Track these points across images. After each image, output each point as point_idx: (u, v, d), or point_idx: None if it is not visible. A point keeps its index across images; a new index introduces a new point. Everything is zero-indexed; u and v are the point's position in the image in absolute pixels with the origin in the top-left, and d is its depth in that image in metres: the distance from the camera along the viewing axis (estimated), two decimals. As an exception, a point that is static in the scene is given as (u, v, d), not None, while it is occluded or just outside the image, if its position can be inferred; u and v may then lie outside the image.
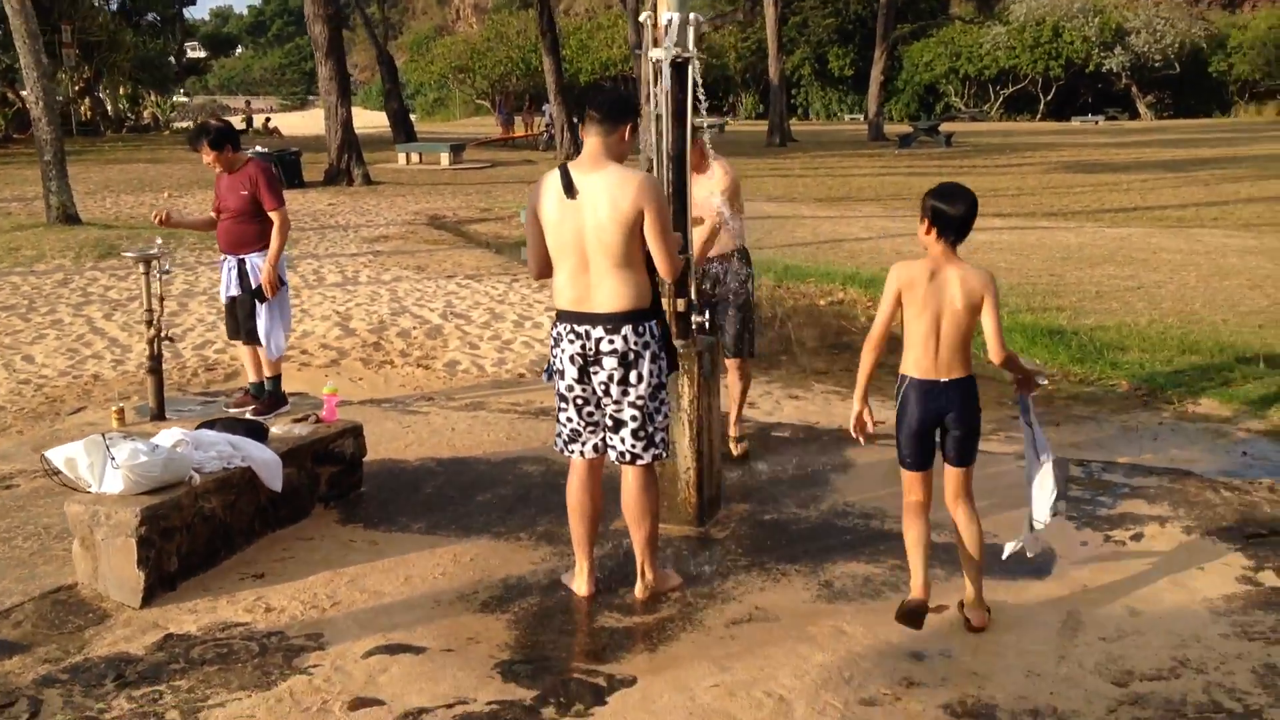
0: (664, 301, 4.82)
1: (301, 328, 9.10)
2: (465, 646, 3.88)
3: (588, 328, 4.00)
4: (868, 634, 3.95)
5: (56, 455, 4.22)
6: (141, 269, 6.40)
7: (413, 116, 50.83)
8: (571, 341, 4.04)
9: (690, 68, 4.78)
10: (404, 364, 8.10)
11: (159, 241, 6.56)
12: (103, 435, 4.27)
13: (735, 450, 5.90)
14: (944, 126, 39.44)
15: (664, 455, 4.24)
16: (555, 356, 4.14)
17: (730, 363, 5.98)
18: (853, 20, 57.58)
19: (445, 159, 27.01)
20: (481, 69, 56.25)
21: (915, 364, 3.84)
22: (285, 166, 21.53)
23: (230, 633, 3.96)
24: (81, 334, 8.85)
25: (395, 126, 31.96)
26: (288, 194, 18.71)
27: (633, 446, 4.11)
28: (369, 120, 43.69)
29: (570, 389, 4.12)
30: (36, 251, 12.86)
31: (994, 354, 3.82)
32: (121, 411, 6.31)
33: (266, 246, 6.58)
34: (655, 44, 4.81)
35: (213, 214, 6.71)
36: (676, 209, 4.87)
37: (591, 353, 4.01)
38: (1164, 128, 45.79)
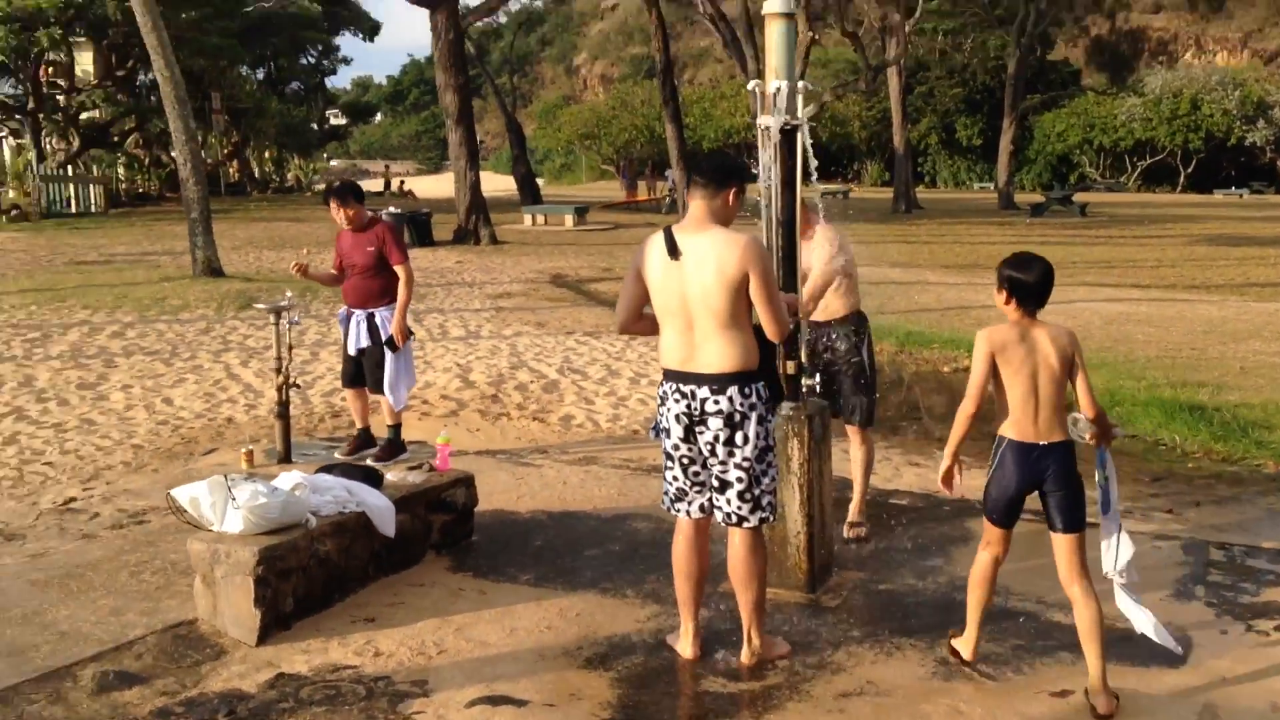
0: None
1: (424, 379, 9.28)
2: (567, 702, 3.83)
3: (693, 387, 3.96)
4: (986, 716, 3.77)
5: (182, 494, 4.35)
6: (273, 319, 6.62)
7: (541, 180, 52.06)
8: (677, 401, 4.00)
9: (799, 134, 4.77)
10: (520, 417, 8.18)
11: (290, 294, 6.79)
12: (225, 476, 4.39)
13: (848, 533, 5.58)
14: (1078, 197, 38.61)
15: (771, 518, 4.14)
16: (661, 415, 4.11)
17: (851, 430, 5.82)
18: (980, 90, 57.10)
19: (569, 221, 27.53)
20: (607, 135, 57.43)
21: (1015, 426, 3.85)
22: (416, 226, 22.24)
23: (339, 675, 3.99)
24: (219, 379, 9.20)
25: (522, 189, 32.78)
26: (418, 252, 19.28)
27: (739, 509, 4.04)
28: (499, 184, 44.90)
29: (676, 448, 4.08)
30: (182, 301, 13.47)
31: (1088, 409, 3.86)
32: (250, 454, 6.48)
33: (393, 300, 6.76)
34: (764, 112, 4.81)
35: (334, 271, 6.92)
36: (785, 273, 4.83)
37: (697, 413, 3.97)
38: (1313, 202, 43.92)
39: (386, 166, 59.70)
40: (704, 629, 4.29)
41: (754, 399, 3.97)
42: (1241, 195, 48.64)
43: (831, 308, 5.68)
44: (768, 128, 4.78)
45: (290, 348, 6.72)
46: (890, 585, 4.99)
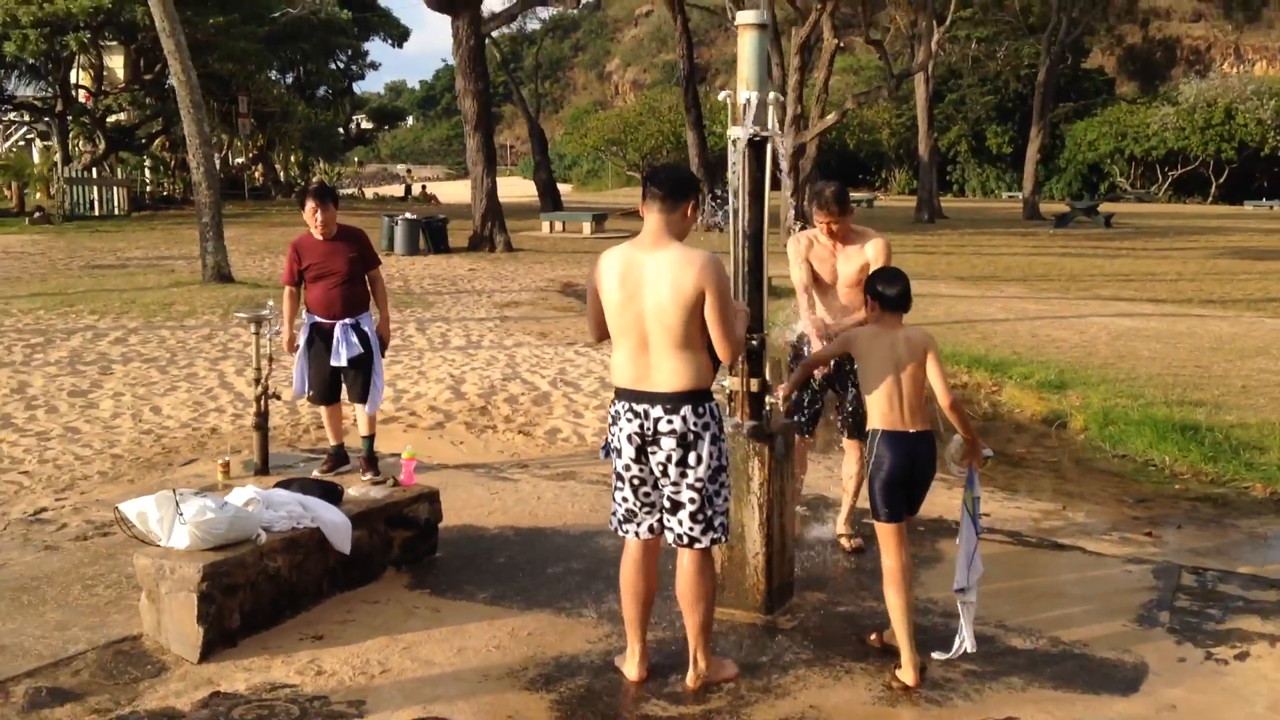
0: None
1: (415, 389, 9.29)
2: (502, 725, 3.80)
3: (646, 407, 3.93)
4: (924, 745, 3.71)
5: (129, 508, 4.36)
6: (252, 329, 6.60)
7: (568, 187, 51.87)
8: (630, 420, 3.97)
9: (769, 146, 4.74)
10: (506, 429, 8.16)
11: (270, 303, 6.77)
12: (174, 491, 4.39)
13: (847, 545, 5.67)
14: (1106, 207, 38.31)
15: (722, 540, 4.11)
16: (613, 435, 4.08)
17: (849, 444, 5.81)
18: (1012, 98, 56.71)
19: (587, 228, 27.56)
20: (633, 142, 57.43)
21: (884, 419, 4.28)
22: (432, 232, 22.31)
23: (276, 694, 3.97)
24: (210, 388, 9.23)
25: (543, 196, 32.87)
26: (432, 259, 19.44)
27: (690, 530, 4.00)
28: (525, 190, 44.98)
29: (627, 468, 4.05)
30: (189, 307, 13.57)
31: (942, 400, 4.29)
32: (227, 465, 6.43)
33: (368, 308, 6.71)
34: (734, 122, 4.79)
35: (288, 286, 6.69)
36: (751, 286, 4.80)
37: (650, 433, 3.94)
38: (1346, 213, 43.24)
39: (408, 170, 59.87)
40: (657, 651, 4.26)
41: (708, 419, 3.94)
42: (1272, 207, 47.94)
43: (855, 318, 5.67)
44: (736, 139, 4.77)
45: (270, 358, 6.70)
46: (850, 607, 4.93)
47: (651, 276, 3.88)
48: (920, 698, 4.04)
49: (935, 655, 4.31)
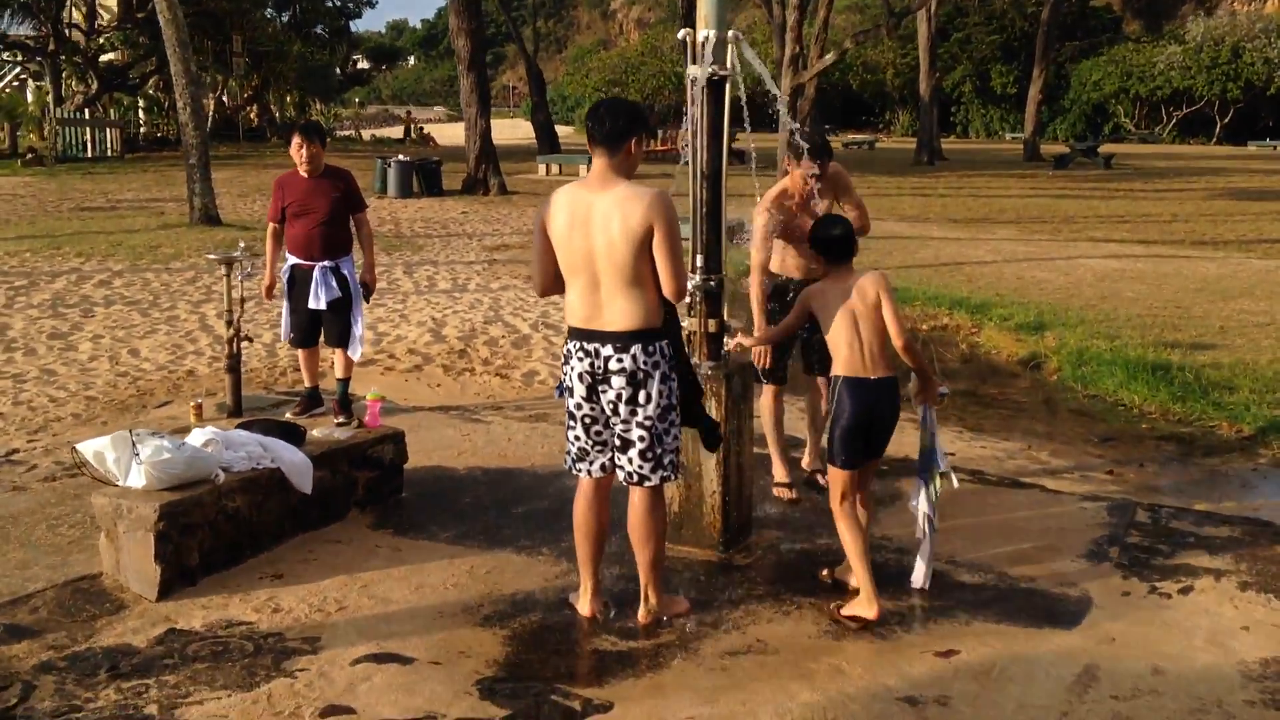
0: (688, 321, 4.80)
1: (396, 332, 9.32)
2: (453, 660, 3.87)
3: (597, 346, 3.96)
4: (865, 674, 3.79)
5: (87, 448, 4.41)
6: (223, 270, 6.61)
7: (570, 129, 51.26)
8: (580, 359, 4.01)
9: (728, 86, 4.72)
10: (484, 372, 8.21)
11: (242, 245, 6.76)
12: (130, 431, 4.44)
13: (787, 493, 5.59)
14: (1108, 148, 37.97)
15: (672, 478, 4.16)
16: (565, 374, 4.12)
17: (822, 382, 5.75)
18: (1018, 37, 56.04)
19: (583, 170, 27.33)
20: (635, 83, 56.93)
21: (845, 365, 4.28)
22: (425, 174, 22.18)
23: (232, 631, 4.05)
24: (190, 331, 9.27)
25: (540, 138, 32.62)
26: (426, 201, 19.23)
27: (640, 467, 4.05)
28: (528, 131, 44.65)
29: (579, 407, 4.09)
30: (174, 250, 13.57)
31: (895, 341, 4.28)
32: (199, 407, 6.47)
33: (350, 252, 6.68)
34: (694, 61, 4.76)
35: (273, 224, 6.68)
36: (710, 228, 4.81)
37: (600, 371, 3.97)
38: (1351, 153, 42.85)
39: (408, 112, 59.31)
40: (613, 587, 4.34)
41: (658, 357, 3.97)
42: (1276, 147, 47.48)
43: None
44: (694, 79, 4.75)
45: (242, 300, 6.71)
46: (805, 545, 5.00)
47: (600, 215, 3.88)
48: (865, 631, 4.11)
49: (914, 584, 4.49)
